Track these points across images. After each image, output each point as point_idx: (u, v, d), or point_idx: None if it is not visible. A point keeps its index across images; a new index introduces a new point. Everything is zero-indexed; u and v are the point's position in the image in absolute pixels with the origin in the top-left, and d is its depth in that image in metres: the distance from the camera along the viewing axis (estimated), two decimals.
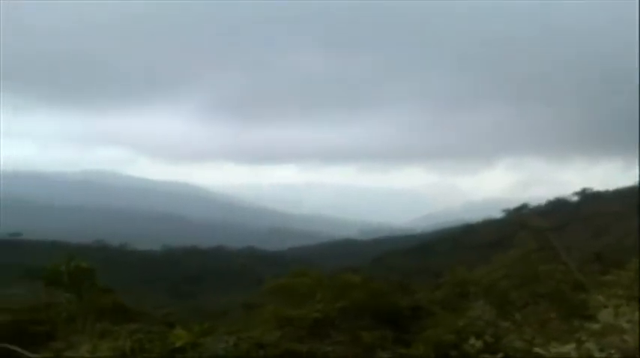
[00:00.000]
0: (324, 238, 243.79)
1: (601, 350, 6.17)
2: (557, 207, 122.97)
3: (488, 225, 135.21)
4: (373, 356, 8.72)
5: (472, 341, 7.52)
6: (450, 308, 13.58)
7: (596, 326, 6.85)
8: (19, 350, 5.12)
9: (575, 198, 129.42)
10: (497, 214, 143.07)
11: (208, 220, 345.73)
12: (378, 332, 10.64)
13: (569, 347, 6.31)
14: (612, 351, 6.07)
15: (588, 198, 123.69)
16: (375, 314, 12.40)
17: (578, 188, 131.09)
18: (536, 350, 6.41)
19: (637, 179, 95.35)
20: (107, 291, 15.91)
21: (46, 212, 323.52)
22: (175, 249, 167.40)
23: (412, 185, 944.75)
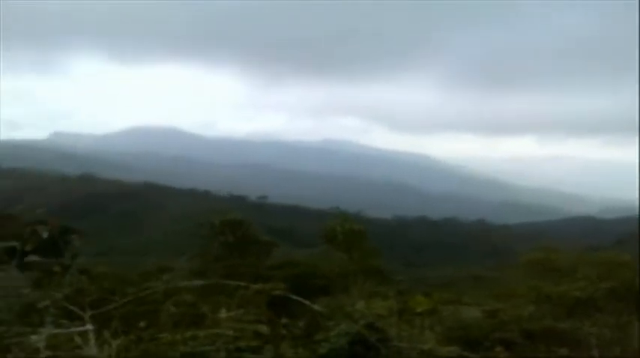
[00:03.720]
0: (560, 214, 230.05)
1: None
2: None
3: None
4: None
5: None
6: None
7: None
8: (300, 300, 5.50)
9: None
10: None
11: (440, 192, 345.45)
12: None
13: None
14: None
15: None
16: None
17: None
18: None
19: None
20: (374, 254, 16.55)
21: (288, 178, 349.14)
22: (406, 219, 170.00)
23: None
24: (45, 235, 6.11)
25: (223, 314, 4.65)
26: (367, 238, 14.53)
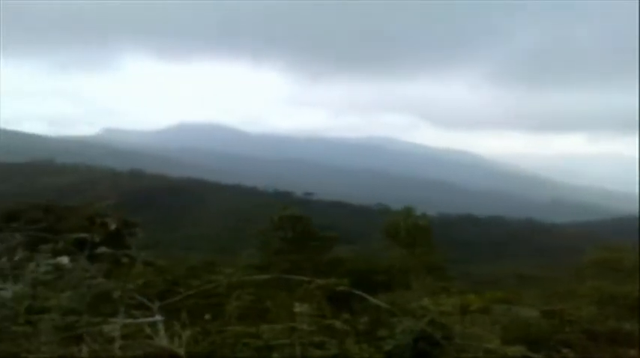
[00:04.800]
0: (611, 213, 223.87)
1: None
2: None
3: None
4: None
5: None
6: None
7: None
8: (364, 295, 5.47)
9: None
10: None
11: (485, 189, 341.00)
12: None
13: None
14: None
15: None
16: None
17: None
18: None
19: None
20: (436, 250, 16.39)
21: (333, 174, 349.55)
22: (451, 216, 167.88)
23: None
24: (113, 227, 6.25)
25: (298, 308, 4.65)
26: (431, 234, 14.34)
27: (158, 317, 4.51)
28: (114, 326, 4.19)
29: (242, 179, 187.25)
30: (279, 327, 4.37)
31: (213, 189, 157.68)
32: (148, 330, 4.35)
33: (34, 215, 8.30)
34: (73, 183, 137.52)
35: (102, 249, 5.48)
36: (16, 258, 5.21)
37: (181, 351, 4.09)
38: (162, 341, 4.19)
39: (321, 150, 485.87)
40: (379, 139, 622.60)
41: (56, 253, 5.28)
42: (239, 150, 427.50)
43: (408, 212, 14.89)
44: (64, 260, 5.01)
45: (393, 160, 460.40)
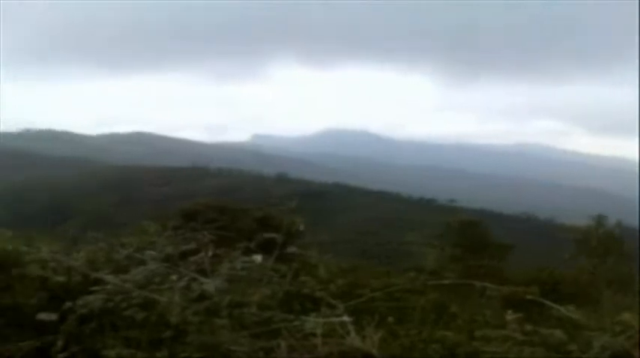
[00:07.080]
0: None
1: None
2: None
3: None
4: None
5: None
6: None
7: None
8: (548, 303, 5.27)
9: None
10: None
11: None
12: None
13: None
14: None
15: None
16: None
17: None
18: None
19: None
20: (628, 262, 15.56)
21: (480, 182, 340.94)
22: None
23: None
24: (302, 228, 6.50)
25: (509, 316, 4.54)
26: (624, 245, 13.51)
27: (346, 318, 4.60)
28: (314, 324, 4.31)
29: (386, 185, 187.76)
30: (494, 334, 4.29)
31: (357, 194, 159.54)
32: (339, 329, 4.44)
33: (210, 215, 8.81)
34: (225, 187, 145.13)
35: (292, 249, 5.71)
36: (209, 254, 5.59)
37: (375, 352, 4.12)
38: (354, 340, 4.26)
39: (469, 158, 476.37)
40: (529, 146, 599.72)
41: (247, 251, 5.57)
42: (385, 157, 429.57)
43: (599, 220, 14.12)
44: (258, 258, 5.26)
45: (543, 168, 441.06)
